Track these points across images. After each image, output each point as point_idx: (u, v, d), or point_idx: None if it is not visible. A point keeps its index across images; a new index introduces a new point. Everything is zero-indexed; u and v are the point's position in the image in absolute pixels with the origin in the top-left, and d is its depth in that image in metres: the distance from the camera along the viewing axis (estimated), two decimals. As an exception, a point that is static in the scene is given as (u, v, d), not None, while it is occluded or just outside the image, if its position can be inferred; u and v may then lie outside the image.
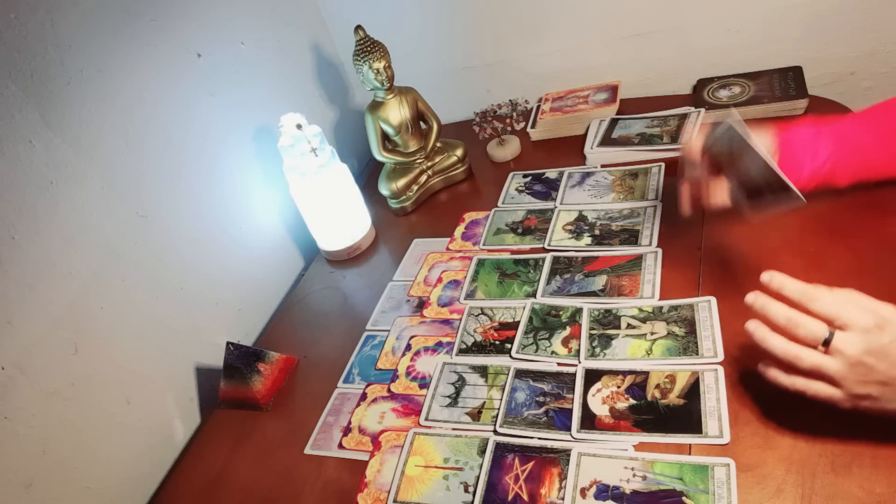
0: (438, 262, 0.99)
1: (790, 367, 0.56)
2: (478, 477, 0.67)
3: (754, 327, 0.58)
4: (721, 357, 0.68)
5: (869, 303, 0.53)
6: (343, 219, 1.07)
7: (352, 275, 1.06)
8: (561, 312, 0.81)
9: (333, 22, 1.30)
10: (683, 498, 0.58)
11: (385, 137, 1.13)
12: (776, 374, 0.58)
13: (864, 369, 0.52)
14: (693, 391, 0.66)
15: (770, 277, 0.59)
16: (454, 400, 0.76)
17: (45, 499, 0.69)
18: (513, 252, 0.95)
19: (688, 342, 0.71)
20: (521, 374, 0.76)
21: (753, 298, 0.59)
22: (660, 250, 0.85)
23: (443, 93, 1.24)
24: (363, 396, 0.81)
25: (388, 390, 0.81)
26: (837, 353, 0.52)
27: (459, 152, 1.15)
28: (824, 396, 0.55)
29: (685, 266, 0.81)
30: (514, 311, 0.84)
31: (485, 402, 0.74)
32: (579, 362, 0.74)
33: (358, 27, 1.03)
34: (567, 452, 0.65)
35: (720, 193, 0.72)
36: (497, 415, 0.72)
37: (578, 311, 0.80)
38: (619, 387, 0.70)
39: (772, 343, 0.57)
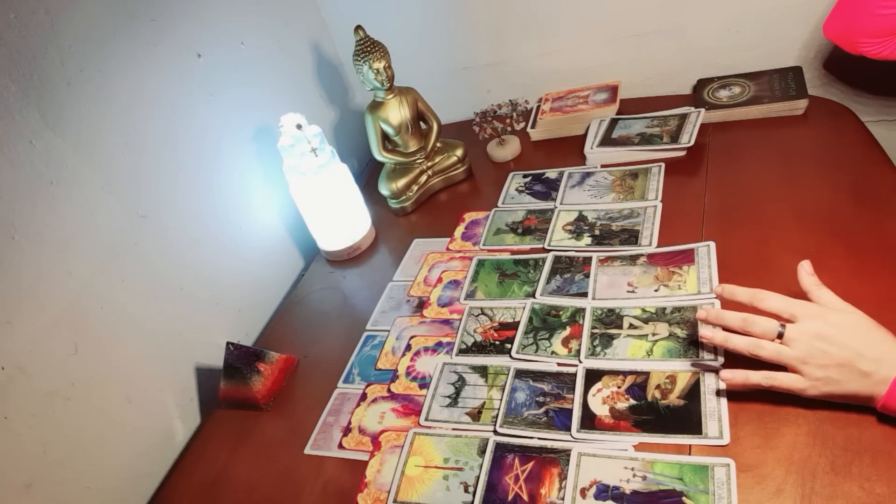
0: (438, 262, 0.99)
1: (753, 365, 0.61)
2: (478, 477, 0.67)
3: (712, 333, 0.63)
4: (722, 360, 0.68)
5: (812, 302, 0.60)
6: (343, 219, 1.07)
7: (352, 275, 1.06)
8: (561, 312, 0.81)
9: (333, 22, 1.30)
10: (683, 498, 0.58)
11: (385, 137, 1.13)
12: (745, 375, 0.61)
13: (818, 353, 0.57)
14: (693, 392, 0.66)
15: (721, 290, 0.65)
16: (454, 400, 0.76)
17: (45, 499, 0.69)
18: (513, 252, 0.95)
19: (689, 344, 0.71)
20: (521, 374, 0.76)
21: (705, 314, 0.65)
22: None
23: (443, 93, 1.24)
24: (363, 396, 0.81)
25: (388, 390, 0.81)
26: (792, 341, 0.58)
27: (459, 152, 1.15)
28: (789, 385, 0.59)
29: (685, 266, 0.81)
30: (514, 311, 0.84)
31: (485, 403, 0.74)
32: (580, 362, 0.74)
33: (358, 27, 1.03)
34: (567, 452, 0.65)
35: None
36: (497, 415, 0.72)
37: (578, 311, 0.80)
38: (619, 387, 0.70)
39: (734, 342, 0.62)
